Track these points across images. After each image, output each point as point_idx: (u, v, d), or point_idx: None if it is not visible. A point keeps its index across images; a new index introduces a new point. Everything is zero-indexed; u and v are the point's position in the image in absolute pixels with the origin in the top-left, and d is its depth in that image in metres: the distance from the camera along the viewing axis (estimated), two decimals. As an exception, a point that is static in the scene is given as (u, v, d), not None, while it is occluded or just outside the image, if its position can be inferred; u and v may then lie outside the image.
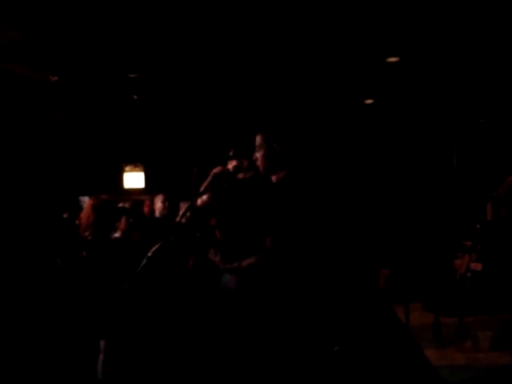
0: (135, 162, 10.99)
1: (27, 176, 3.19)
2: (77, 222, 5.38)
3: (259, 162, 3.73)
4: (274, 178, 3.69)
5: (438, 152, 10.24)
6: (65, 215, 4.88)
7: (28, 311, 3.95)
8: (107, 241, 5.11)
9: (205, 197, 4.21)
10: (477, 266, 7.12)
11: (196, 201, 4.19)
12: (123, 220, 6.14)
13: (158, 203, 6.43)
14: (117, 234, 5.47)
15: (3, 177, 2.98)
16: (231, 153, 4.30)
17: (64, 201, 4.66)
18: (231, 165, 4.32)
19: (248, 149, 4.32)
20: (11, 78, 3.14)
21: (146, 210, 8.39)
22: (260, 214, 3.72)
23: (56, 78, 6.64)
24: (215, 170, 4.34)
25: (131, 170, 10.99)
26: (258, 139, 3.72)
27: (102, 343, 4.85)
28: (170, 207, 6.44)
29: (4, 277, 3.20)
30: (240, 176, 4.36)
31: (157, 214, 6.41)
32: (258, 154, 3.70)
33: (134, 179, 10.95)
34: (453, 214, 9.63)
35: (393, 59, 6.77)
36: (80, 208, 5.55)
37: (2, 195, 3.06)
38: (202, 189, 4.23)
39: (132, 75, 7.21)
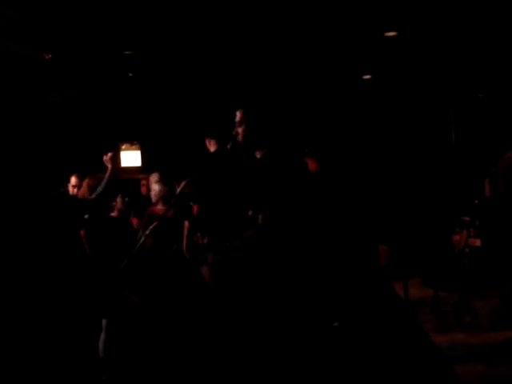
0: (131, 141, 10.93)
1: (22, 155, 3.16)
2: None
3: (241, 137, 3.68)
4: (258, 154, 3.66)
5: (436, 127, 10.21)
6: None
7: (27, 291, 3.94)
8: (104, 219, 5.10)
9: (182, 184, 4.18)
10: (475, 242, 7.14)
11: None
12: (119, 199, 6.09)
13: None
14: (113, 213, 5.44)
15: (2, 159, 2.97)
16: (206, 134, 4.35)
17: (58, 178, 4.63)
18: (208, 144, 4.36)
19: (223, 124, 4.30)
20: (6, 56, 3.10)
21: (143, 189, 8.34)
22: (244, 189, 3.70)
23: (50, 56, 6.58)
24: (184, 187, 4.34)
25: (127, 149, 10.95)
26: (239, 114, 3.67)
27: (104, 322, 4.86)
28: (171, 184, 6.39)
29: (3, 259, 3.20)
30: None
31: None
32: (240, 129, 3.66)
33: (130, 157, 10.91)
34: (451, 189, 9.63)
35: (391, 33, 6.70)
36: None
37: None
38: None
39: (127, 52, 7.14)
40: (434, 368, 4.68)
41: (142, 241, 3.43)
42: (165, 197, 5.49)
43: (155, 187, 5.59)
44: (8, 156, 3.08)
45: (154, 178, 6.06)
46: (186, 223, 4.60)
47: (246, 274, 3.66)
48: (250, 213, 3.58)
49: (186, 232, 4.61)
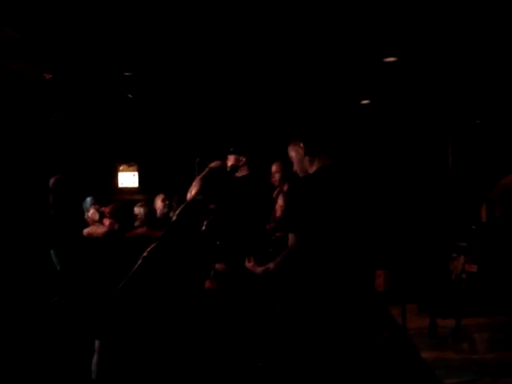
0: (129, 161, 10.95)
1: (23, 173, 3.16)
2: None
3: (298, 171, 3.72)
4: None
5: (433, 152, 10.24)
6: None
7: (20, 308, 3.91)
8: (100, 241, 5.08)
9: (193, 191, 4.19)
10: (472, 268, 7.10)
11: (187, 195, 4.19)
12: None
13: (158, 202, 6.41)
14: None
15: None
16: (232, 149, 4.29)
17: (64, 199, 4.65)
18: (230, 161, 4.31)
19: (247, 146, 4.30)
20: (9, 74, 3.12)
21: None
22: (260, 210, 3.70)
23: (50, 76, 6.60)
24: (212, 164, 4.33)
25: (125, 170, 10.96)
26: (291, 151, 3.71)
27: (97, 343, 4.82)
28: (170, 206, 6.43)
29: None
30: (237, 174, 4.35)
31: (158, 213, 6.36)
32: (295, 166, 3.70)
33: (127, 178, 10.93)
34: (448, 214, 9.62)
35: (390, 59, 6.75)
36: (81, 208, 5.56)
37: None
38: (195, 181, 4.21)
39: (127, 73, 7.17)
40: (431, 395, 4.64)
41: (139, 262, 3.41)
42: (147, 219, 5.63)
43: (141, 210, 5.71)
44: (8, 173, 3.10)
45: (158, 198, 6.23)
46: None
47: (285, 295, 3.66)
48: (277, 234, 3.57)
49: None
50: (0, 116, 3.13)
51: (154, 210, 6.11)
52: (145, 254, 3.41)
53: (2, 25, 5.16)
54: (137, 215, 5.71)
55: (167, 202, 6.46)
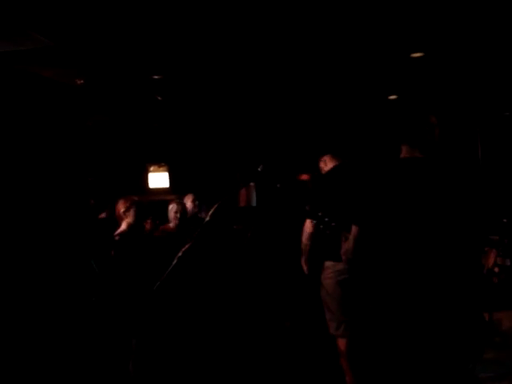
0: (159, 162, 11.08)
1: (61, 178, 3.26)
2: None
3: None
4: None
5: (463, 146, 10.17)
6: (102, 215, 5.00)
7: (62, 310, 4.02)
8: (135, 241, 5.18)
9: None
10: (504, 261, 7.07)
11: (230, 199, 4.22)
12: (149, 221, 6.23)
13: (188, 203, 6.49)
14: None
15: (38, 180, 3.06)
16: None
17: (100, 202, 4.75)
18: (329, 162, 4.48)
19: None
20: (41, 83, 3.20)
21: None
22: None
23: (82, 81, 6.71)
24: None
25: (155, 170, 11.09)
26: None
27: (134, 342, 4.91)
28: (200, 206, 6.52)
29: (40, 277, 3.28)
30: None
31: (188, 213, 6.46)
32: None
33: (158, 179, 11.05)
34: (479, 208, 9.55)
35: (417, 54, 6.74)
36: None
37: (35, 197, 3.13)
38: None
39: (156, 77, 7.27)
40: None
41: (174, 263, 3.48)
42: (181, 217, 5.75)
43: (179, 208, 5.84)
44: (46, 179, 3.19)
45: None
46: (306, 234, 4.68)
47: None
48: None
49: (306, 247, 4.73)
50: (38, 123, 3.24)
51: (186, 209, 6.21)
52: (179, 254, 3.47)
53: (34, 33, 5.28)
54: (174, 212, 5.84)
55: (197, 203, 6.56)
